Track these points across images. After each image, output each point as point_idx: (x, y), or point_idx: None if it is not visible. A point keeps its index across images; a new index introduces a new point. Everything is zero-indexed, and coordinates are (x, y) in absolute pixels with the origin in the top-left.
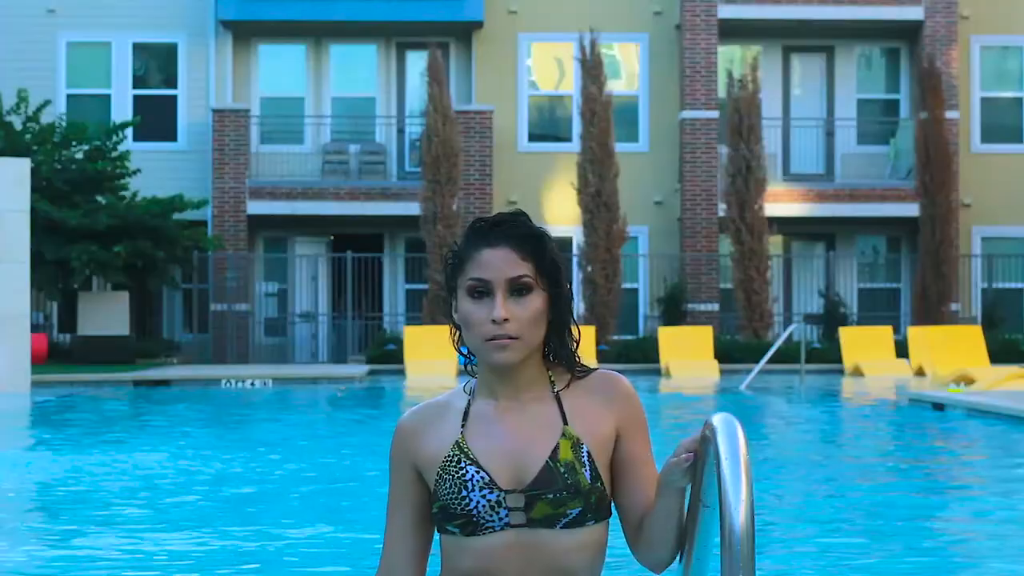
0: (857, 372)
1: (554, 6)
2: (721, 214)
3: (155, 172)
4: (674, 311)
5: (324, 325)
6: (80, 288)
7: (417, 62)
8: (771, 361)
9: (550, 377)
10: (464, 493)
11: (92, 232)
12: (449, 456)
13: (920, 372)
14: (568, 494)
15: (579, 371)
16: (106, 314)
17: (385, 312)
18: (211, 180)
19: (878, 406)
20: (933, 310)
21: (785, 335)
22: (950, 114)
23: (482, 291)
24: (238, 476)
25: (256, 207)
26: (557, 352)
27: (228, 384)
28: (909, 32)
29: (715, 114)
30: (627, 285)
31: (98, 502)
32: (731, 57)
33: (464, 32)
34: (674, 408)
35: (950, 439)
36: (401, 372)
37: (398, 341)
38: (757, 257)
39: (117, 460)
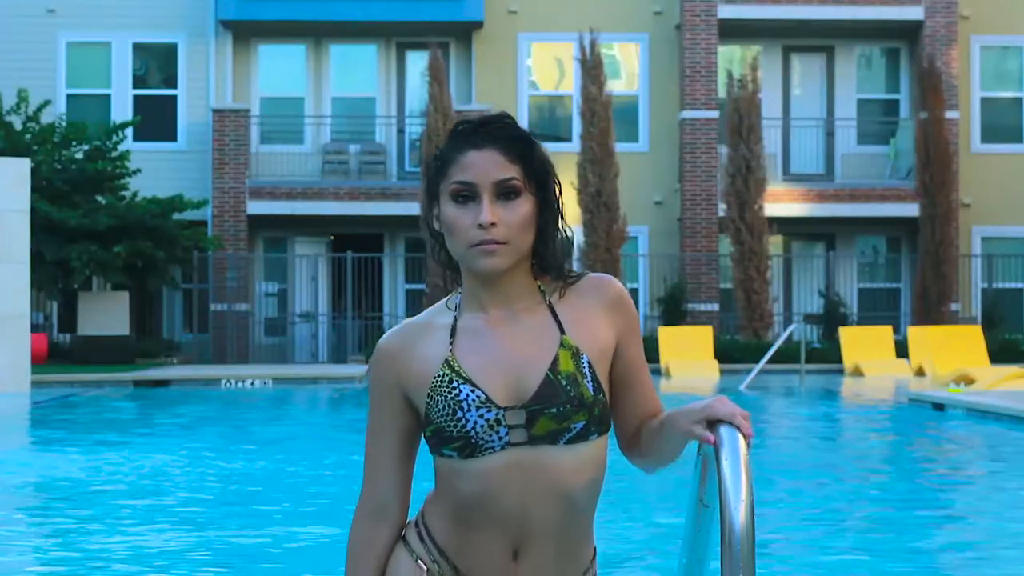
0: (857, 372)
1: (554, 6)
2: (721, 214)
3: (155, 172)
4: (674, 311)
5: (324, 325)
6: (80, 288)
7: (417, 62)
8: (771, 361)
9: (540, 287)
10: (459, 414)
11: (92, 232)
12: (439, 376)
13: (920, 372)
14: (572, 407)
15: (570, 277)
16: (106, 314)
17: (385, 312)
18: (211, 180)
19: (878, 406)
20: (933, 310)
21: (785, 335)
22: (950, 114)
23: (467, 195)
24: (238, 476)
25: (256, 207)
26: (545, 260)
27: (228, 384)
28: (909, 32)
29: (715, 114)
30: (627, 285)
31: (98, 502)
32: (731, 57)
33: (464, 32)
34: (676, 406)
35: (950, 439)
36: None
37: None
38: (757, 257)
39: (117, 460)
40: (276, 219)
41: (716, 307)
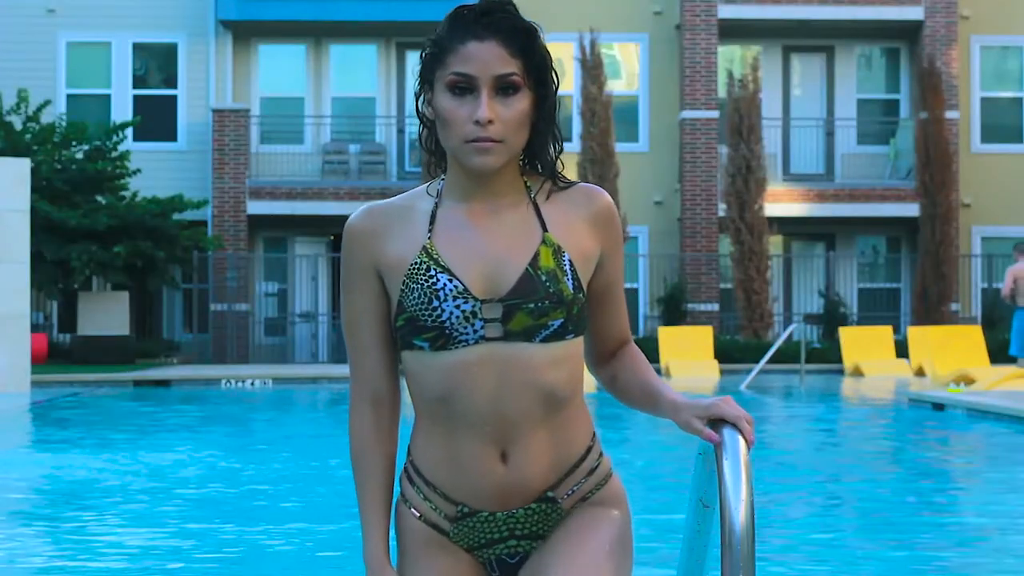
0: (857, 372)
1: (554, 6)
2: (721, 214)
3: (155, 172)
4: (674, 311)
5: (324, 325)
6: (80, 288)
7: (417, 62)
8: (771, 361)
9: (526, 184)
10: (435, 303)
11: (92, 232)
12: (416, 263)
13: (920, 372)
14: (550, 304)
15: (561, 182)
16: (106, 314)
17: None
18: (211, 180)
19: (878, 406)
20: (933, 310)
21: (785, 335)
22: (950, 114)
23: (465, 87)
24: (238, 476)
25: (256, 207)
26: (539, 158)
27: (228, 384)
28: (909, 32)
29: (715, 114)
30: (627, 285)
31: (98, 502)
32: (731, 57)
33: None
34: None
35: (950, 439)
36: (400, 372)
37: None
38: (757, 257)
39: (117, 460)
40: (276, 219)
41: (716, 307)
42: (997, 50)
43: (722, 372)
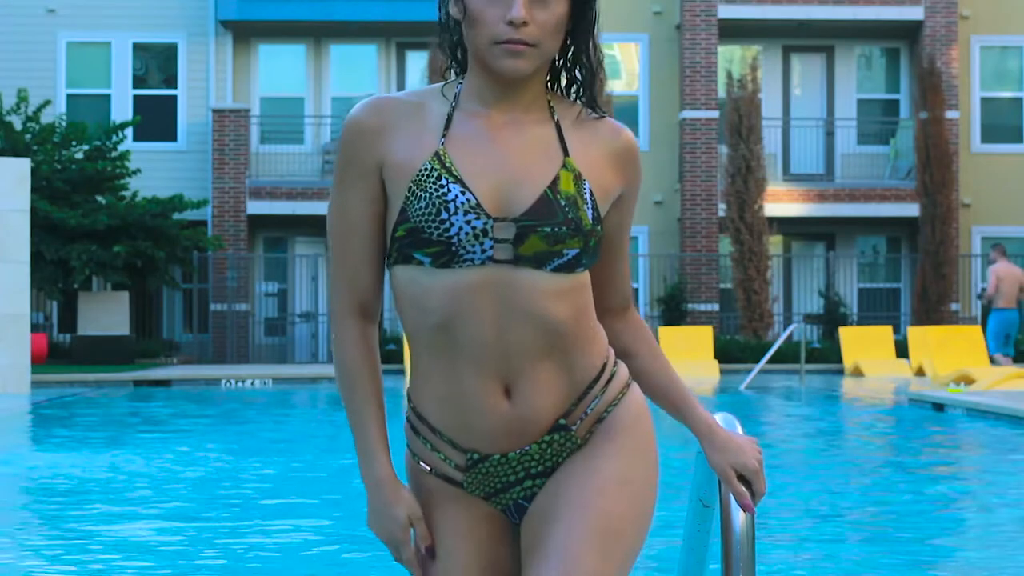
0: (857, 372)
1: None
2: (721, 214)
3: (155, 172)
4: (674, 311)
5: (324, 325)
6: (80, 288)
7: (417, 62)
8: (771, 361)
9: (549, 103)
10: (444, 216)
11: (92, 232)
12: (427, 169)
13: (920, 372)
14: (568, 231)
15: (596, 110)
16: (106, 314)
17: (385, 311)
18: (211, 180)
19: (878, 406)
20: (933, 310)
21: (785, 335)
22: (950, 114)
23: None
24: (238, 475)
25: (256, 207)
26: (570, 76)
27: (228, 384)
28: (909, 32)
29: (715, 114)
30: None
31: (98, 502)
32: (731, 57)
33: None
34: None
35: (950, 439)
36: (401, 372)
37: (398, 341)
38: (757, 257)
39: (117, 460)
40: (276, 219)
41: (716, 307)
42: (997, 50)
43: (722, 372)
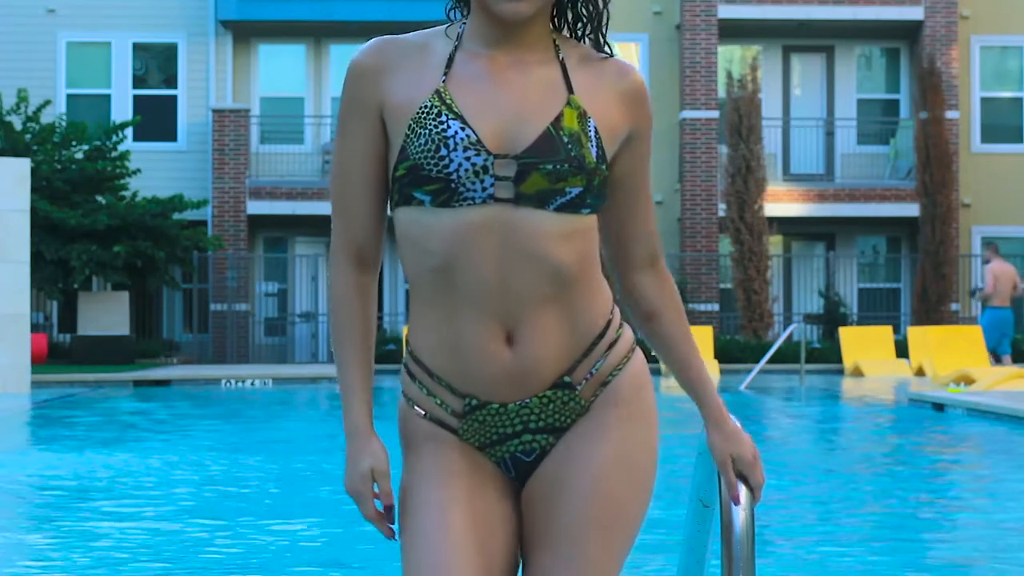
0: (857, 372)
1: None
2: (721, 214)
3: (155, 172)
4: None
5: (324, 325)
6: (80, 288)
7: None
8: (771, 361)
9: (554, 43)
10: (443, 152)
11: (92, 232)
12: (427, 106)
13: (920, 372)
14: (570, 168)
15: (601, 49)
16: (106, 314)
17: (385, 312)
18: (211, 180)
19: (878, 406)
20: (933, 310)
21: (785, 335)
22: (950, 114)
23: None
24: (238, 475)
25: (256, 207)
26: (576, 14)
27: (228, 384)
28: (909, 32)
29: (715, 114)
30: None
31: (98, 502)
32: (731, 57)
33: None
34: (674, 409)
35: (950, 439)
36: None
37: (398, 341)
38: (757, 257)
39: (117, 460)
40: (276, 219)
41: (716, 307)
42: (997, 50)
43: (722, 372)
